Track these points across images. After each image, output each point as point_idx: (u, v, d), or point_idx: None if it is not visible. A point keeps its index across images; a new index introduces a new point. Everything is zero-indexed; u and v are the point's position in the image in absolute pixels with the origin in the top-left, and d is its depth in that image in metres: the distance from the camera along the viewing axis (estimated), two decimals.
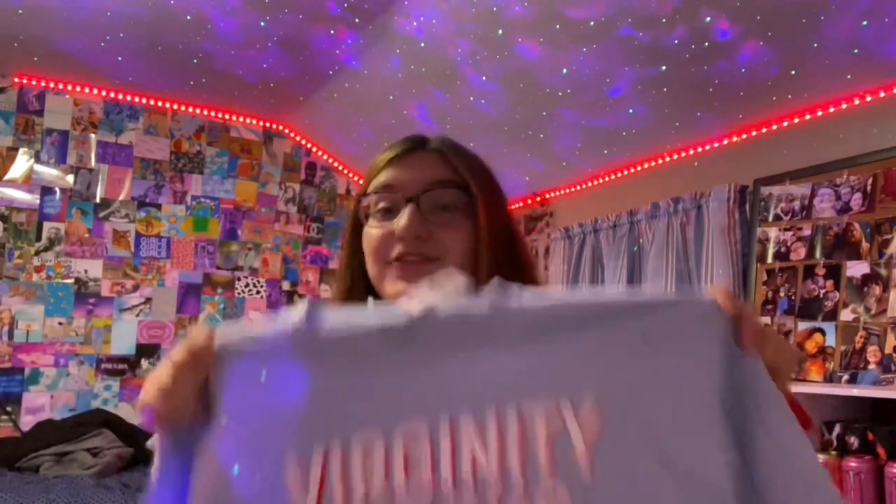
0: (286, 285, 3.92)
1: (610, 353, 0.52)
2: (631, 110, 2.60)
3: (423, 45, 2.70)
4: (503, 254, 0.74)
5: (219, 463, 0.54)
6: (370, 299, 0.72)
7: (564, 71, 2.53)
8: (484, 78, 2.75)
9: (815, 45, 2.02)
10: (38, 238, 3.40)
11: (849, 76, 2.09)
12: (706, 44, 2.16)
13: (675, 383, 0.51)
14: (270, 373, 0.56)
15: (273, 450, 0.53)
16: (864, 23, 1.89)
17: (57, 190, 3.46)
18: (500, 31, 2.46)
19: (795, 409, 0.55)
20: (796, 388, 1.85)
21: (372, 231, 0.76)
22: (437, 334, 0.54)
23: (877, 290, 1.99)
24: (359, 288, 0.78)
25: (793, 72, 2.16)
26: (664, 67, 2.32)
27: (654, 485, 0.50)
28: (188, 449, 0.56)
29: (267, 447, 0.53)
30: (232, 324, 0.60)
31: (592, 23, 2.26)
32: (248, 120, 3.80)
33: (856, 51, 1.99)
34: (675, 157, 2.74)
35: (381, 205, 0.76)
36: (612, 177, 3.03)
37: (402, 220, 0.72)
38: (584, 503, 0.49)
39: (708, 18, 2.07)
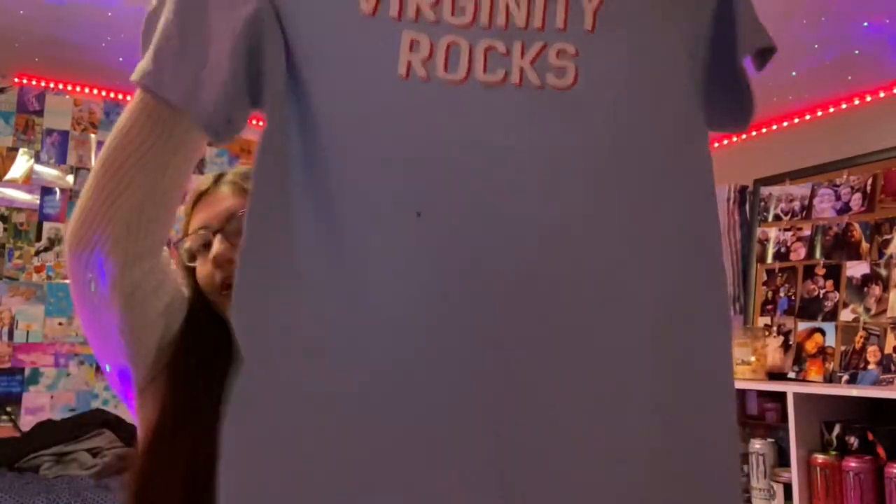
0: None
1: None
2: None
3: None
4: None
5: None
6: None
7: None
8: None
9: (816, 45, 2.02)
10: (38, 238, 3.40)
11: (849, 76, 2.10)
12: None
13: None
14: None
15: None
16: (865, 23, 1.89)
17: (57, 190, 3.46)
18: None
19: None
20: (797, 388, 1.85)
21: (198, 268, 0.88)
22: None
23: (877, 290, 2.00)
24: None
25: (793, 72, 2.16)
26: None
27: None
28: None
29: None
30: None
31: None
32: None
33: (856, 51, 1.99)
34: None
35: (198, 243, 0.88)
36: None
37: (213, 250, 0.85)
38: (584, 49, 0.62)
39: None
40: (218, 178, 0.93)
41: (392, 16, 0.60)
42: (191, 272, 0.90)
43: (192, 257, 0.89)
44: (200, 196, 0.91)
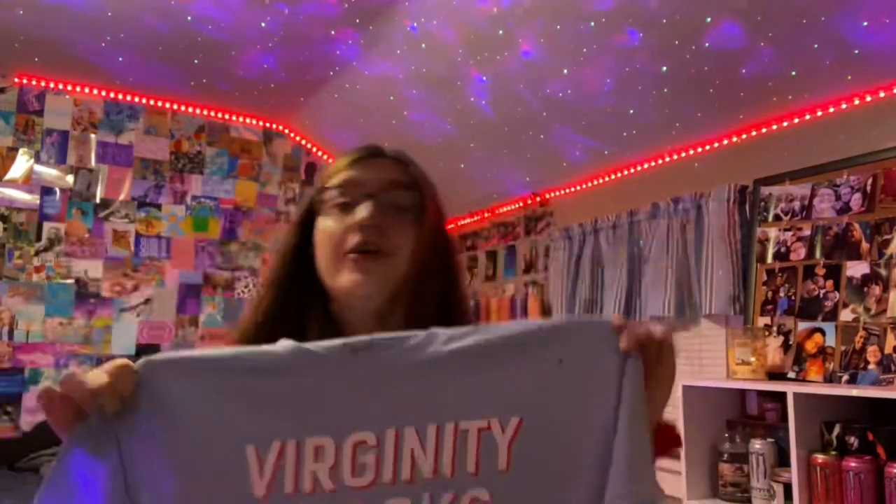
0: None
1: (532, 378, 0.63)
2: (631, 110, 2.60)
3: (423, 45, 2.70)
4: (440, 262, 0.81)
5: (169, 454, 0.58)
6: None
7: (565, 71, 2.53)
8: (484, 78, 2.76)
9: (815, 45, 2.02)
10: (38, 238, 3.40)
11: (849, 76, 2.10)
12: (706, 44, 2.16)
13: (580, 396, 0.63)
14: (229, 377, 0.60)
15: (233, 441, 0.59)
16: (865, 23, 1.89)
17: (57, 190, 3.46)
18: (501, 31, 2.46)
19: (662, 429, 0.70)
20: (797, 388, 1.85)
21: (329, 223, 0.79)
22: (381, 359, 0.62)
23: (877, 290, 2.00)
24: (295, 289, 0.81)
25: (793, 72, 2.16)
26: (664, 68, 2.33)
27: (556, 474, 0.62)
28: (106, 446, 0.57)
29: (226, 440, 0.59)
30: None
31: (593, 23, 2.26)
32: (248, 120, 3.80)
33: (856, 51, 1.99)
34: (675, 157, 2.74)
35: (340, 200, 0.80)
36: (613, 177, 3.04)
37: (363, 211, 0.76)
38: (500, 490, 0.60)
39: (708, 19, 2.08)
40: (379, 150, 0.86)
41: (287, 492, 0.58)
42: (304, 229, 0.82)
43: (321, 211, 0.81)
44: (356, 161, 0.84)
